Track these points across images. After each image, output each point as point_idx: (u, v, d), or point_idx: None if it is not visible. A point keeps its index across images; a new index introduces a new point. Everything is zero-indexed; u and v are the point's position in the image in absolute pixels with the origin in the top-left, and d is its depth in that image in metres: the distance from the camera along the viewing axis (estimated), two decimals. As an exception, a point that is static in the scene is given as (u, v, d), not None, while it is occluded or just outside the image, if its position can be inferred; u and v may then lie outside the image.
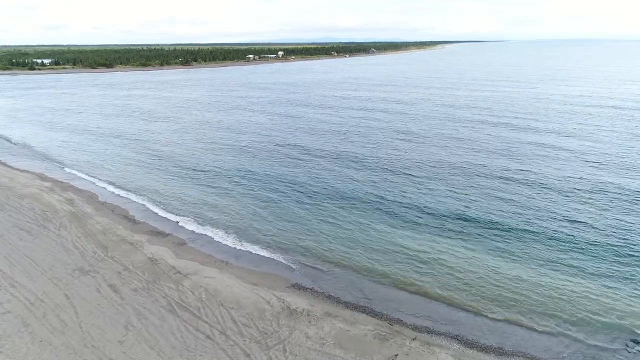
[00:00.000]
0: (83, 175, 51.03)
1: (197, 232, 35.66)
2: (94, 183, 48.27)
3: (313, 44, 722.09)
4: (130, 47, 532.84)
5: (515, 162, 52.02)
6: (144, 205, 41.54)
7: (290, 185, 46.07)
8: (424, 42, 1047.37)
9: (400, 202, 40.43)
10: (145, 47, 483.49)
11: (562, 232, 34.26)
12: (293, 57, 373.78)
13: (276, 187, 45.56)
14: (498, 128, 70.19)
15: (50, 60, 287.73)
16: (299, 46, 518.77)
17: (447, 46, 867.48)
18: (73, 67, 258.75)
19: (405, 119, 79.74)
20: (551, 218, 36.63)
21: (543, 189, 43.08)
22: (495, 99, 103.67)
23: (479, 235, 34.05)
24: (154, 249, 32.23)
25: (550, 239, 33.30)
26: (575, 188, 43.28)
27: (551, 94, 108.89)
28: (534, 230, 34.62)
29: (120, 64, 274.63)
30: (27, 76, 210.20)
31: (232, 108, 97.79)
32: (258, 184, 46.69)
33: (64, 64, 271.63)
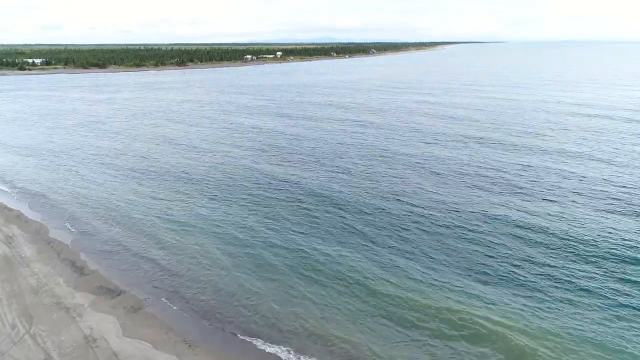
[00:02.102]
0: (36, 201, 42.81)
1: (159, 287, 27.68)
2: (46, 211, 40.03)
3: (312, 44, 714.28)
4: (129, 46, 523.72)
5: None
6: (99, 246, 33.45)
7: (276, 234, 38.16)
8: (423, 42, 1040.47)
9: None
10: (142, 47, 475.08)
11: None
12: (292, 57, 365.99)
13: (262, 235, 37.64)
14: (485, 146, 62.29)
15: (41, 60, 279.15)
16: (297, 47, 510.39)
17: (447, 47, 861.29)
18: (65, 67, 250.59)
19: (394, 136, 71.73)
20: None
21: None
22: (485, 107, 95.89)
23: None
24: (96, 319, 24.13)
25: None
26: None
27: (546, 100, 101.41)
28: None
29: (114, 64, 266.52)
30: (16, 76, 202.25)
31: (213, 118, 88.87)
32: (238, 228, 38.69)
33: (55, 63, 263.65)
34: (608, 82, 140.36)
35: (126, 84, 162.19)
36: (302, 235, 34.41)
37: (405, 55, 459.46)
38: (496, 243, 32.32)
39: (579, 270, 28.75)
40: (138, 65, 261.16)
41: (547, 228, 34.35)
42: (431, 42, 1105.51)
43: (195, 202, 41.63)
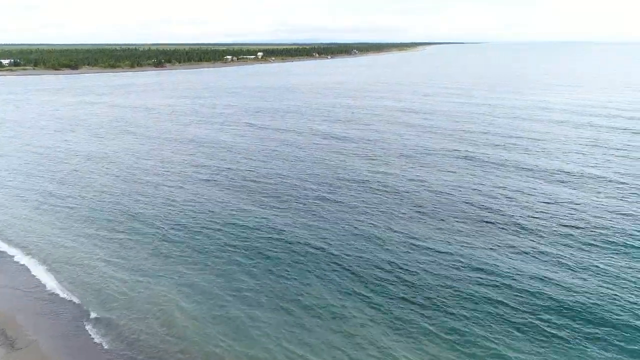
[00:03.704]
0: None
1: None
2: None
3: (295, 44, 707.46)
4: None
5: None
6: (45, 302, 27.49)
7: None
8: (404, 43, 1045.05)
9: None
10: (119, 47, 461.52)
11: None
12: (273, 58, 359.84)
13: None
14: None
15: (9, 60, 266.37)
16: (279, 47, 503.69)
17: (427, 48, 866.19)
18: (34, 68, 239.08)
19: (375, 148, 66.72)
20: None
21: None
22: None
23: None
24: None
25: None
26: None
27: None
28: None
29: (87, 64, 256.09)
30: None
31: (183, 123, 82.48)
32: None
33: (25, 64, 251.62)
34: (571, 84, 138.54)
35: (96, 86, 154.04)
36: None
37: (386, 56, 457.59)
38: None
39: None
40: (113, 66, 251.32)
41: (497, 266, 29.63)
42: (412, 43, 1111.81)
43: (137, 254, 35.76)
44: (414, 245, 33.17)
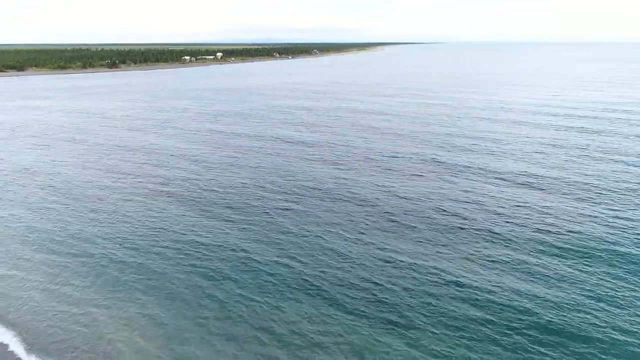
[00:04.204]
0: None
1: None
2: None
3: (255, 44, 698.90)
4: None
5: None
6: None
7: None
8: (365, 43, 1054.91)
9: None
10: (69, 48, 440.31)
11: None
12: (233, 58, 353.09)
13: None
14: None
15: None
16: (239, 47, 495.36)
17: (386, 48, 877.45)
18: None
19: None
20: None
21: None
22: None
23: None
24: None
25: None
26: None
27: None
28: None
29: (35, 66, 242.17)
30: None
31: (136, 129, 78.33)
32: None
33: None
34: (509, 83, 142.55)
35: (42, 89, 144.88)
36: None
37: (347, 57, 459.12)
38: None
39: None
40: (63, 68, 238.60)
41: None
42: (372, 43, 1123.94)
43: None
44: (385, 258, 31.31)
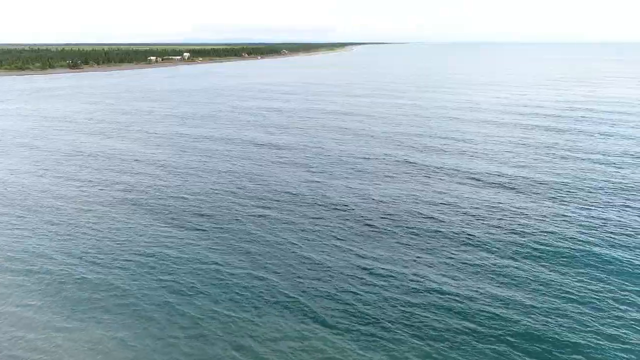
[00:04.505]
0: None
1: None
2: None
3: (224, 44, 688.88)
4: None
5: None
6: None
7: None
8: (334, 43, 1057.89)
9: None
10: (27, 48, 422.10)
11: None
12: (201, 58, 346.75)
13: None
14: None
15: None
16: (206, 47, 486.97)
17: (355, 48, 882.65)
18: None
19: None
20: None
21: None
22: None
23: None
24: None
25: None
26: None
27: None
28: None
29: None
30: None
31: (96, 133, 75.35)
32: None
33: None
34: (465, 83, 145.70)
35: None
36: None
37: (316, 57, 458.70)
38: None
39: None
40: (21, 69, 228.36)
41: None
42: (341, 43, 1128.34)
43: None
44: (364, 265, 30.40)
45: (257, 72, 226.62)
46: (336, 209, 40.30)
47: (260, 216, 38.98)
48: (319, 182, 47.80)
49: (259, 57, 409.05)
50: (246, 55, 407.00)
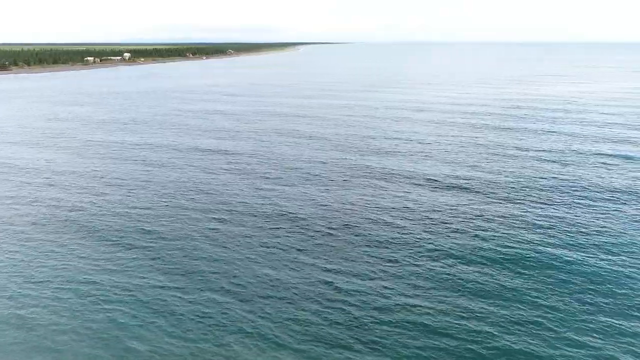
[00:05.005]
0: None
1: None
2: None
3: (167, 44, 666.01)
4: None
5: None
6: None
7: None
8: (281, 43, 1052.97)
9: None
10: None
11: None
12: (142, 59, 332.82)
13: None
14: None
15: None
16: (149, 47, 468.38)
17: (302, 48, 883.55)
18: None
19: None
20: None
21: None
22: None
23: None
24: None
25: None
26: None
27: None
28: None
29: None
30: None
31: (17, 143, 69.71)
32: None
33: None
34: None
35: None
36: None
37: (263, 57, 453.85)
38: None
39: None
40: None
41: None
42: (288, 43, 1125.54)
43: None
44: (328, 280, 28.61)
45: (203, 73, 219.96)
46: (294, 219, 38.28)
47: (212, 230, 36.24)
48: (273, 190, 45.55)
49: (204, 58, 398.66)
50: (191, 55, 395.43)
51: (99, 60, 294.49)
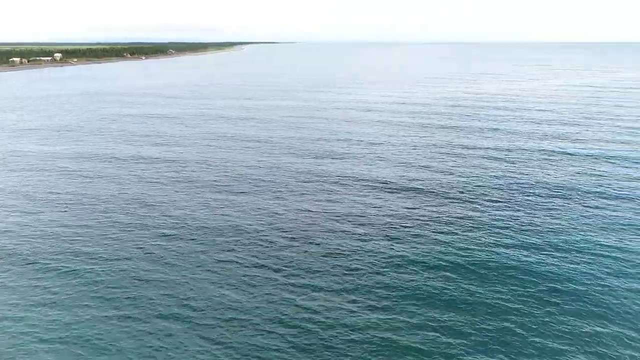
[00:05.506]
0: None
1: None
2: None
3: (104, 44, 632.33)
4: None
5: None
6: None
7: None
8: (223, 42, 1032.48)
9: None
10: None
11: None
12: (75, 59, 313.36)
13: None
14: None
15: None
16: (82, 47, 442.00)
17: (245, 47, 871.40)
18: None
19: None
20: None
21: None
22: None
23: None
24: None
25: None
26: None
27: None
28: None
29: None
30: None
31: None
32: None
33: None
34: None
35: None
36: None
37: (206, 56, 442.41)
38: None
39: None
40: None
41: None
42: (230, 42, 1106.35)
43: None
44: (290, 298, 26.78)
45: (141, 74, 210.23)
46: (248, 230, 36.14)
47: (158, 248, 33.38)
48: (224, 200, 43.07)
49: (144, 58, 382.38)
50: (128, 55, 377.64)
51: (26, 61, 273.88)
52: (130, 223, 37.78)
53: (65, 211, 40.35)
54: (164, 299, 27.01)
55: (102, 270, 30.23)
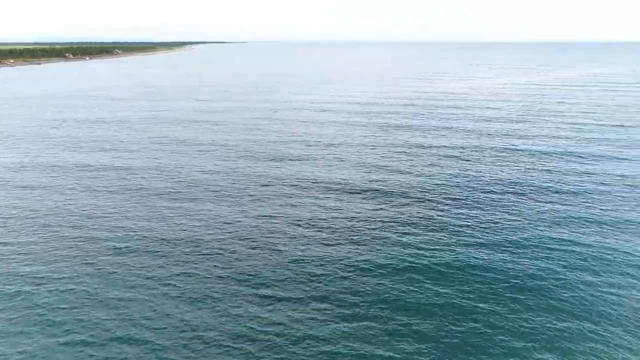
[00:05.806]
0: None
1: None
2: None
3: (42, 44, 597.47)
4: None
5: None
6: None
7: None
8: (172, 42, 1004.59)
9: None
10: None
11: None
12: (12, 60, 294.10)
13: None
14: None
15: None
16: (17, 47, 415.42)
17: (195, 47, 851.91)
18: None
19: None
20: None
21: None
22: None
23: None
24: None
25: None
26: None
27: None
28: None
29: None
30: None
31: None
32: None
33: None
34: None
35: None
36: None
37: (156, 57, 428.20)
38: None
39: None
40: None
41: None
42: (180, 42, 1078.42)
43: None
44: (246, 315, 25.59)
45: (85, 76, 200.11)
46: (207, 241, 34.47)
47: (109, 264, 31.13)
48: (179, 209, 41.03)
49: (87, 58, 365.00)
50: (71, 56, 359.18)
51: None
52: (77, 237, 35.11)
53: (2, 227, 37.01)
54: (118, 319, 25.06)
55: (47, 291, 27.74)
